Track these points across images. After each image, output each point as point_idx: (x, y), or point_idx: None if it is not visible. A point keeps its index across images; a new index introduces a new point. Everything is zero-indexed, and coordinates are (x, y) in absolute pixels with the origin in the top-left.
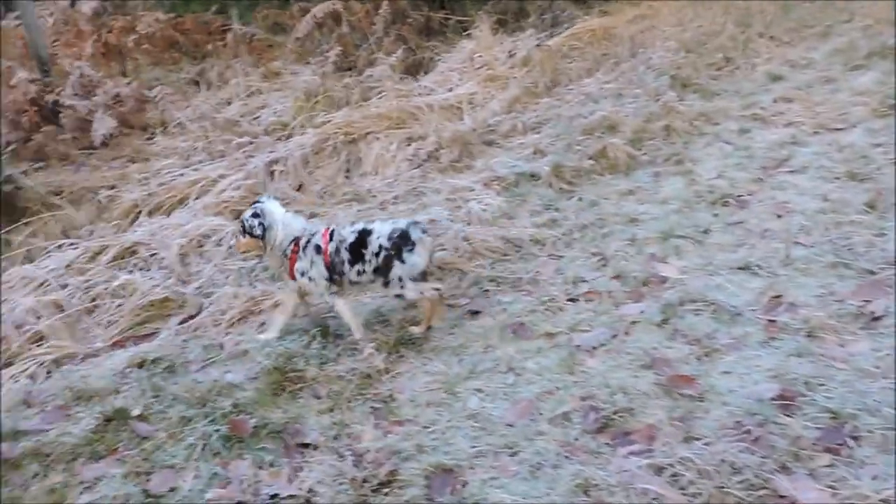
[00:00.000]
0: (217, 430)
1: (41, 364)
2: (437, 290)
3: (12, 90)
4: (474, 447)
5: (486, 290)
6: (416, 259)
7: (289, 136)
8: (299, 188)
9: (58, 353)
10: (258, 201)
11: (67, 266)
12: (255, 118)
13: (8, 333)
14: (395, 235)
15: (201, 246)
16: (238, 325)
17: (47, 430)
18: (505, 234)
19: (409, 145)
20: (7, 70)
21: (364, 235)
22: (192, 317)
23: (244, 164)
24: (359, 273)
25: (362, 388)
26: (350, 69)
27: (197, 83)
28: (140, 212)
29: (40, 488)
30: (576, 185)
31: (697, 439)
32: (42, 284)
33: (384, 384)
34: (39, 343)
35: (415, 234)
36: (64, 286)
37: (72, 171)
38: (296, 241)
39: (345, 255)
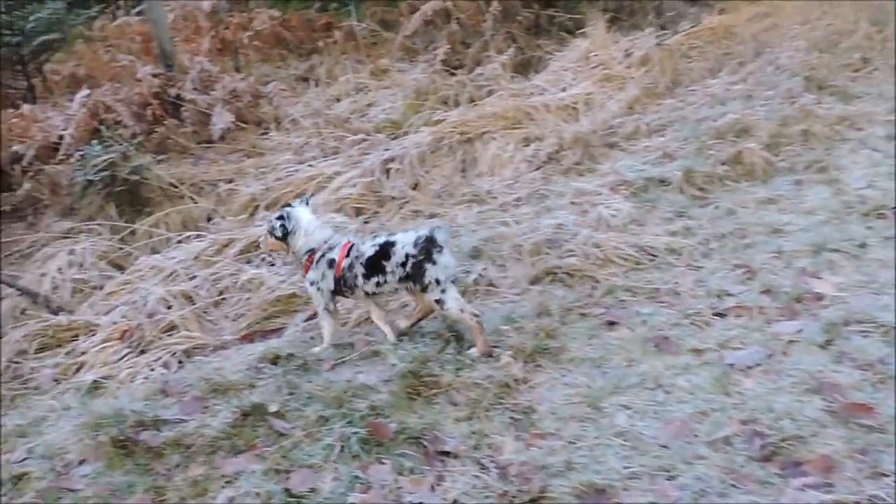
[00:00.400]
0: (356, 433)
1: (173, 354)
2: (477, 315)
3: (138, 83)
4: (627, 467)
5: (622, 300)
6: (446, 259)
7: (405, 134)
8: (415, 187)
9: (188, 343)
10: (289, 205)
11: (195, 258)
12: (363, 115)
13: (141, 321)
14: (422, 241)
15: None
16: (364, 325)
17: (186, 421)
18: (637, 241)
19: (526, 146)
20: (130, 64)
21: (387, 248)
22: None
23: (359, 162)
24: (378, 284)
25: (500, 396)
26: (458, 67)
27: (306, 80)
28: (258, 206)
29: (183, 479)
30: (709, 191)
31: (886, 475)
32: (171, 275)
33: (522, 394)
34: (170, 333)
35: (441, 237)
36: (192, 277)
37: (191, 163)
38: (311, 252)
39: (359, 270)
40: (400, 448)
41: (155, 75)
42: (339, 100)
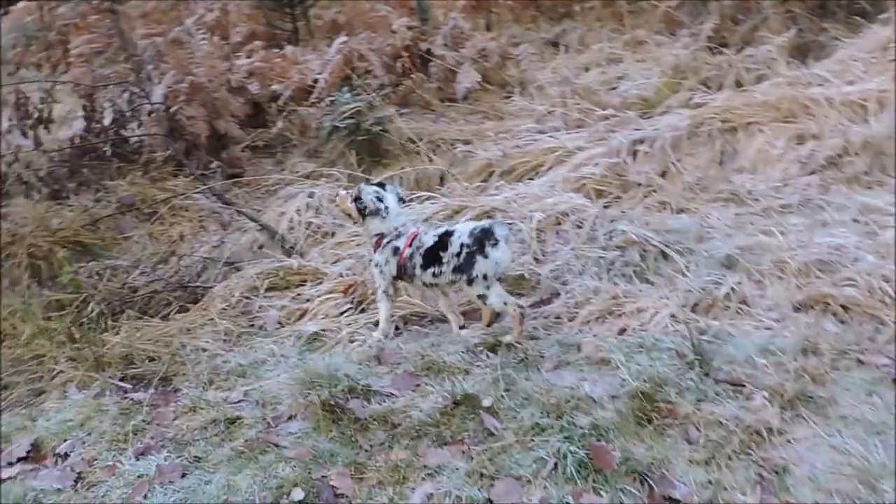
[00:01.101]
0: (573, 452)
1: (392, 318)
2: (521, 307)
3: (392, 35)
4: None
5: None
6: (500, 255)
7: (660, 114)
8: (663, 174)
9: (408, 309)
10: (383, 185)
11: (426, 220)
12: (612, 88)
13: (366, 278)
14: (478, 231)
15: (559, 223)
16: (595, 325)
17: (396, 397)
18: None
19: (800, 144)
20: (387, 14)
21: (445, 237)
22: (543, 301)
23: (604, 139)
24: (434, 275)
25: (747, 445)
26: (724, 46)
27: (555, 45)
28: (493, 172)
29: (385, 461)
30: None
31: None
32: None
33: (776, 448)
34: None
35: (500, 232)
36: None
37: (431, 120)
38: (379, 236)
39: (417, 260)
40: (621, 481)
41: (409, 28)
42: (587, 69)
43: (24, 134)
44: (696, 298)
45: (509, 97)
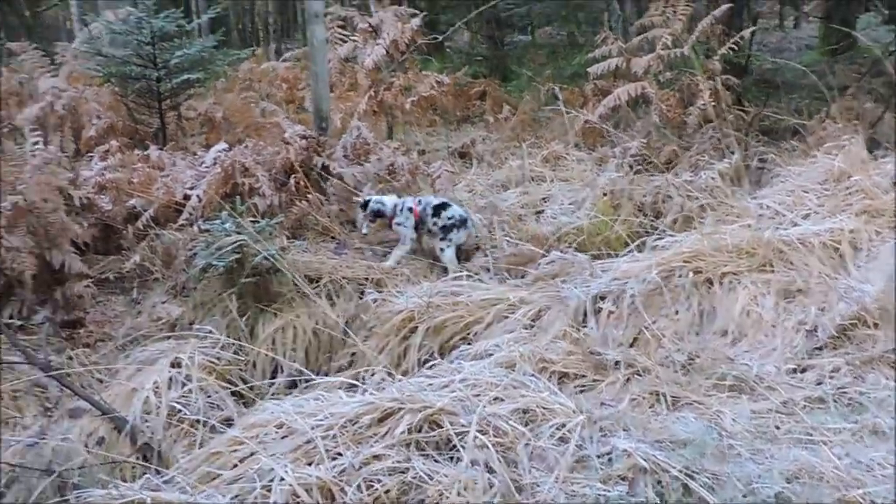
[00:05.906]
0: None
1: None
2: None
3: (286, 146)
4: None
5: None
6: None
7: (608, 255)
8: (633, 343)
9: None
10: None
11: (340, 426)
12: (538, 212)
13: None
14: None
15: (533, 431)
16: None
17: None
18: None
19: (788, 301)
20: (275, 124)
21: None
22: None
23: (547, 288)
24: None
25: None
26: (645, 165)
27: (463, 156)
28: (416, 327)
29: None
30: None
31: None
32: (304, 446)
33: None
34: None
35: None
36: (334, 457)
37: (332, 250)
38: None
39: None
40: None
41: (303, 137)
42: (505, 188)
43: None
44: None
45: None
